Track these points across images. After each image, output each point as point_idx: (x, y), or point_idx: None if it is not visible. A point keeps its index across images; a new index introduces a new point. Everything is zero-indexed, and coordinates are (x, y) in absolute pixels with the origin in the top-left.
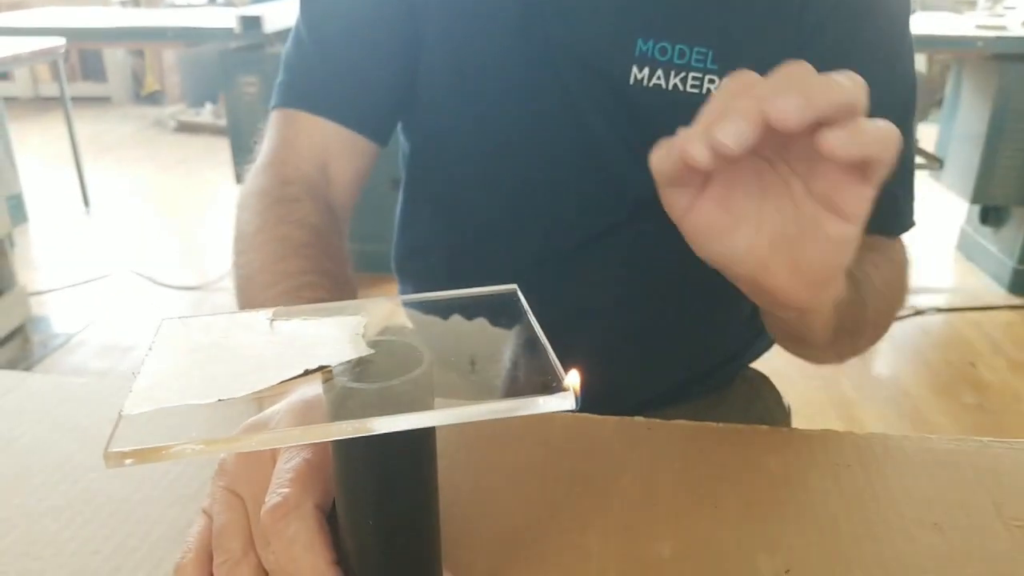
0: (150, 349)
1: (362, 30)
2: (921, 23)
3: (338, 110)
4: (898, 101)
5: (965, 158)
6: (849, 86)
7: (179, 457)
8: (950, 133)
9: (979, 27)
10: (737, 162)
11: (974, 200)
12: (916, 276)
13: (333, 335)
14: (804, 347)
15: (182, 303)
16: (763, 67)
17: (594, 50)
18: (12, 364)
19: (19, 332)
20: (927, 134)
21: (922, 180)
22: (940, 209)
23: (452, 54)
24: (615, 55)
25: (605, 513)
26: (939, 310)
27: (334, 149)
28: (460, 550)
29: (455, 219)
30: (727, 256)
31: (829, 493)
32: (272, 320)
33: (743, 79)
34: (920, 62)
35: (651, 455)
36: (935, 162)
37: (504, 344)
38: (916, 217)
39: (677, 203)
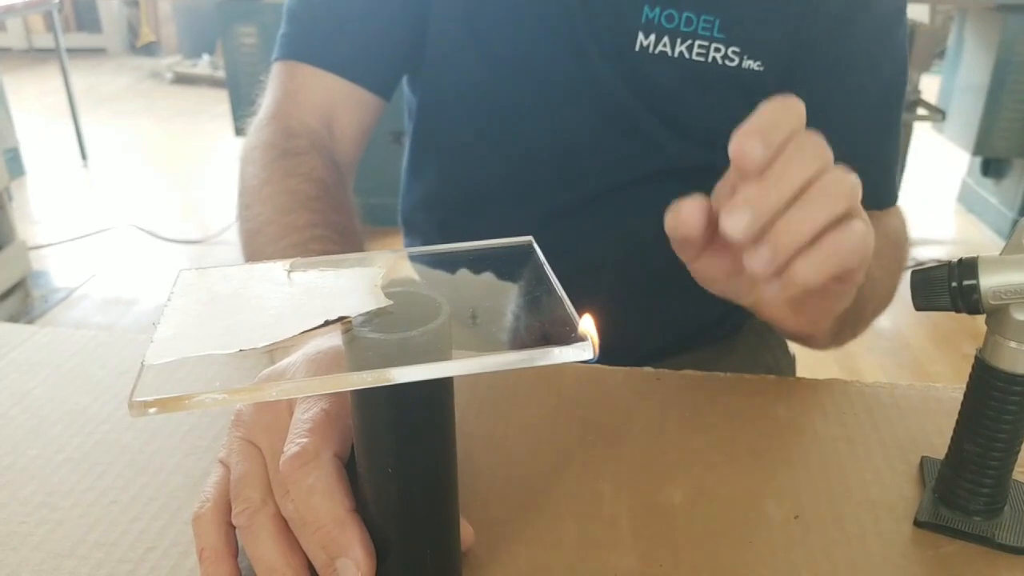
0: (169, 299)
1: None
2: None
3: (343, 64)
4: (892, 80)
5: (967, 110)
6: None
7: (201, 407)
8: (952, 84)
9: None
10: None
11: (976, 152)
12: (917, 228)
13: (351, 286)
14: (806, 344)
15: (183, 257)
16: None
17: (601, 14)
18: (14, 319)
19: (20, 287)
20: (929, 85)
21: (924, 132)
22: (941, 161)
23: (464, 8)
24: (621, 20)
25: (616, 461)
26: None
27: (338, 104)
28: (475, 498)
29: (464, 174)
30: (731, 295)
31: (836, 440)
32: (289, 271)
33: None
34: (923, 12)
35: (661, 404)
36: (937, 113)
37: (518, 296)
38: (916, 170)
39: (684, 253)
